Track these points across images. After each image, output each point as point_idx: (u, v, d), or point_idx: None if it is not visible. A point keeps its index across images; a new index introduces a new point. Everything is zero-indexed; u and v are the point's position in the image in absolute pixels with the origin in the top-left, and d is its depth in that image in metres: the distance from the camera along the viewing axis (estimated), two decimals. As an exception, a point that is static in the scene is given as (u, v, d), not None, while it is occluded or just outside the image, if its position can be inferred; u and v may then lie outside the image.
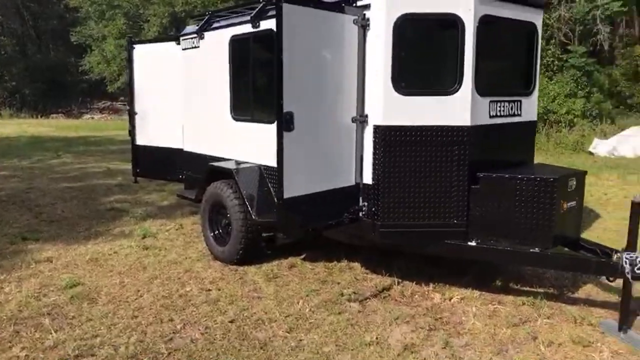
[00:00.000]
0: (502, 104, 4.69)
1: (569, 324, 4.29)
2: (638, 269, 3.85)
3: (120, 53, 27.84)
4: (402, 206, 4.47)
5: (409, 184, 4.44)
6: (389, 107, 4.37)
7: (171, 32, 26.84)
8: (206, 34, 6.43)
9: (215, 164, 6.03)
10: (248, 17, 5.67)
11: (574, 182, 4.42)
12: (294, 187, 3.99)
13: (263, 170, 5.65)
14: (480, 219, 4.46)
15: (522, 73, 4.99)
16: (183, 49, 6.90)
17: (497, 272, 5.35)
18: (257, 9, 5.51)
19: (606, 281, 4.36)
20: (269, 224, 5.43)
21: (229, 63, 6.03)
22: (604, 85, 17.81)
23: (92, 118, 31.92)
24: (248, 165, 5.74)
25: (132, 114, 7.86)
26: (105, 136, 20.39)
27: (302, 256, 5.97)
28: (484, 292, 4.90)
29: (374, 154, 4.49)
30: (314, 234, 4.55)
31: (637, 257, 3.89)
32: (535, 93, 5.10)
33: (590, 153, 15.18)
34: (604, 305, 4.64)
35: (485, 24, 4.36)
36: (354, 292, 4.94)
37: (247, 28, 5.70)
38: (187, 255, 6.08)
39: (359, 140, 4.56)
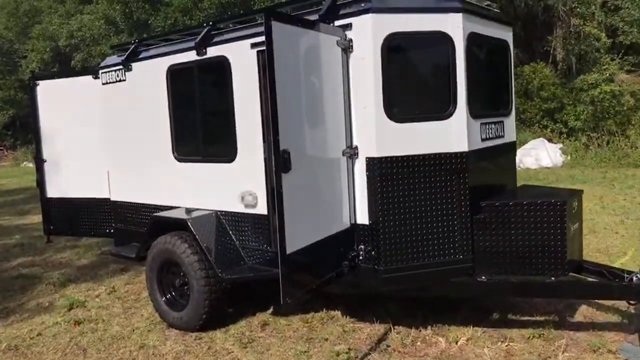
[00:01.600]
0: (490, 125, 4.41)
1: (590, 354, 4.01)
2: (662, 290, 3.67)
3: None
4: (405, 246, 3.97)
5: (410, 221, 3.96)
6: (382, 136, 3.88)
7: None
8: (134, 65, 5.58)
9: (162, 214, 5.15)
10: (190, 44, 4.96)
11: (576, 203, 4.22)
12: (296, 239, 3.32)
13: (222, 217, 4.90)
14: (487, 252, 4.08)
15: (503, 92, 4.78)
16: (104, 84, 5.95)
17: (489, 304, 5.01)
18: (201, 35, 4.83)
19: (627, 304, 4.16)
20: (237, 281, 4.65)
21: (168, 96, 5.24)
22: (499, 103, 18.96)
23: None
24: (203, 212, 4.95)
25: (39, 162, 6.65)
26: (-16, 187, 17.86)
27: (270, 310, 5.23)
28: (486, 329, 4.51)
29: (369, 189, 3.96)
30: (316, 291, 3.87)
31: (657, 277, 3.71)
32: (514, 112, 4.92)
33: (500, 167, 15.94)
34: (608, 327, 4.45)
35: (472, 42, 4.06)
36: (350, 349, 4.32)
37: (189, 56, 4.98)
38: (133, 326, 5.07)
39: (350, 175, 4.01)
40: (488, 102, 4.51)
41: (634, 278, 3.82)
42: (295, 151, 3.33)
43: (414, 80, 4.11)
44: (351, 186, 4.01)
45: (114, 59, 5.92)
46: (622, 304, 4.75)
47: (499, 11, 4.59)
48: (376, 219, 3.94)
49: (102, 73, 5.94)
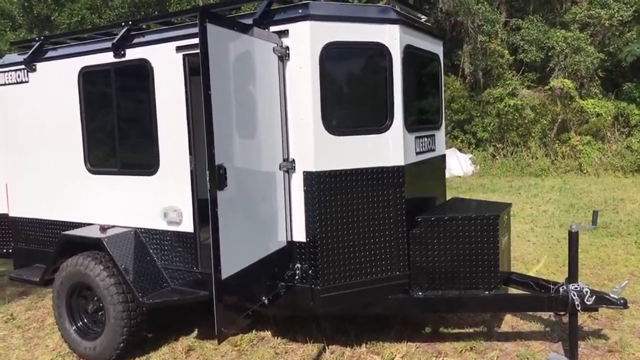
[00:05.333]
0: (424, 139, 4.40)
1: (521, 365, 4.10)
2: (587, 300, 3.80)
3: None
4: (343, 264, 3.82)
5: (348, 237, 3.83)
6: (320, 149, 3.72)
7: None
8: (39, 65, 5.01)
9: (72, 232, 4.63)
10: (106, 45, 4.53)
11: (506, 216, 4.30)
12: (232, 262, 3.05)
13: (142, 235, 4.49)
14: (422, 267, 4.04)
15: (434, 106, 4.80)
16: (1, 85, 5.29)
17: (419, 317, 5.00)
18: (120, 35, 4.42)
19: (555, 315, 4.29)
20: (160, 305, 4.26)
21: (80, 101, 4.75)
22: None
23: None
24: (121, 230, 4.51)
25: None
26: None
27: (195, 333, 4.88)
28: (419, 344, 4.48)
29: (307, 205, 3.77)
30: (251, 317, 3.60)
31: (583, 288, 3.85)
32: (443, 125, 4.96)
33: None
34: (533, 337, 4.57)
35: (408, 54, 4.02)
36: (284, 373, 4.11)
37: (105, 58, 4.55)
38: (37, 360, 4.51)
39: (287, 190, 3.80)
40: (421, 115, 4.51)
41: (560, 289, 3.93)
42: (231, 166, 3.07)
43: (351, 92, 4.00)
44: (288, 202, 3.80)
45: (14, 57, 5.29)
46: (543, 313, 4.93)
47: (430, 24, 4.61)
48: (314, 235, 3.76)
49: (-1, 73, 5.29)
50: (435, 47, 4.70)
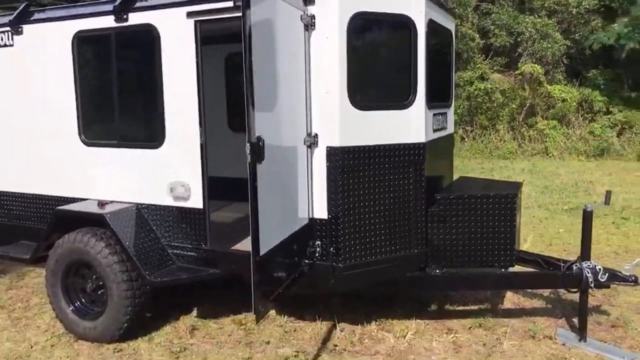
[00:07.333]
0: (439, 116, 4.35)
1: (530, 340, 4.16)
2: (600, 278, 3.89)
3: None
4: (364, 241, 3.75)
5: (370, 214, 3.75)
6: (345, 124, 3.60)
7: None
8: (26, 27, 4.63)
9: (70, 207, 4.36)
10: (106, 7, 4.23)
11: (520, 195, 4.32)
12: (269, 238, 2.91)
13: (143, 210, 4.28)
14: (440, 245, 4.02)
15: (447, 83, 4.75)
16: (-18, 48, 4.88)
17: (424, 295, 5.01)
18: (122, -3, 4.13)
19: (567, 291, 4.37)
20: (168, 284, 4.08)
21: (74, 68, 4.43)
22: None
23: None
24: (121, 206, 4.27)
25: None
26: None
27: (194, 313, 4.72)
28: (428, 321, 4.49)
29: (329, 181, 3.66)
30: (281, 295, 3.47)
31: (596, 266, 3.93)
32: (453, 104, 4.92)
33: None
34: (537, 313, 4.67)
35: (431, 29, 3.94)
36: (297, 352, 4.02)
37: (104, 21, 4.25)
38: (30, 342, 4.25)
39: (309, 165, 3.67)
40: (437, 92, 4.45)
41: (574, 267, 4.00)
42: (268, 139, 2.91)
43: (376, 65, 3.88)
44: (309, 178, 3.68)
45: (-4, 18, 4.88)
46: (544, 291, 5.04)
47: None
48: (336, 213, 3.66)
49: (-21, 35, 4.86)
50: (450, 24, 4.63)
